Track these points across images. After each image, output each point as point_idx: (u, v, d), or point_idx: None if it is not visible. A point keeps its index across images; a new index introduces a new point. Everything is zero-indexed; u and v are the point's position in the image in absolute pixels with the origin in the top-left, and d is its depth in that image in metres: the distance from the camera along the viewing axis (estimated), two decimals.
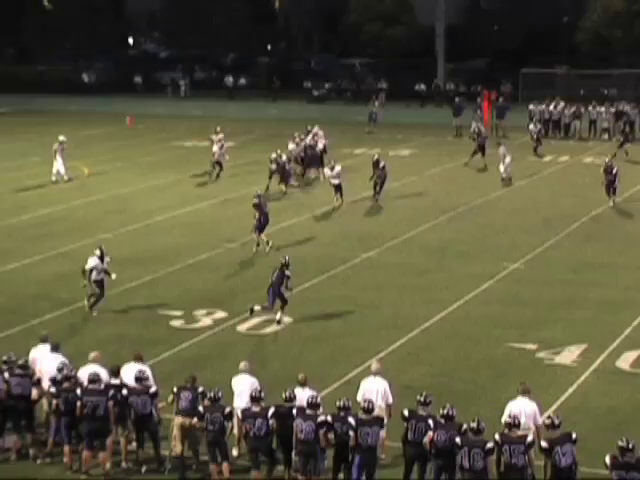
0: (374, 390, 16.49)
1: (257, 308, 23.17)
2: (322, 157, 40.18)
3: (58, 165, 39.78)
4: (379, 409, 16.12)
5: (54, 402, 16.66)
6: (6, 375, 17.02)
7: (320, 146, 40.65)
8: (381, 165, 35.48)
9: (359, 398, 16.27)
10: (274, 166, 37.04)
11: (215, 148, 40.11)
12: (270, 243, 29.18)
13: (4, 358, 17.51)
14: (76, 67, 78.00)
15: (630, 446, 13.94)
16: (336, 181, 34.83)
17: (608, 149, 47.34)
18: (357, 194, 35.48)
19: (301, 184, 38.98)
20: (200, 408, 16.08)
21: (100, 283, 23.87)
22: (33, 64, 76.93)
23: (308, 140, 40.83)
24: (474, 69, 72.05)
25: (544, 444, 14.56)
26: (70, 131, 44.04)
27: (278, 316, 23.16)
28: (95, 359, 17.30)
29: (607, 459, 14.03)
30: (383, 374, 16.92)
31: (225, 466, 15.93)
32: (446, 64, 70.77)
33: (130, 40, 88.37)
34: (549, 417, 15.03)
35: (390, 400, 16.57)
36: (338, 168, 34.91)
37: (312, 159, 40.26)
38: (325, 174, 35.93)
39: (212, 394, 16.06)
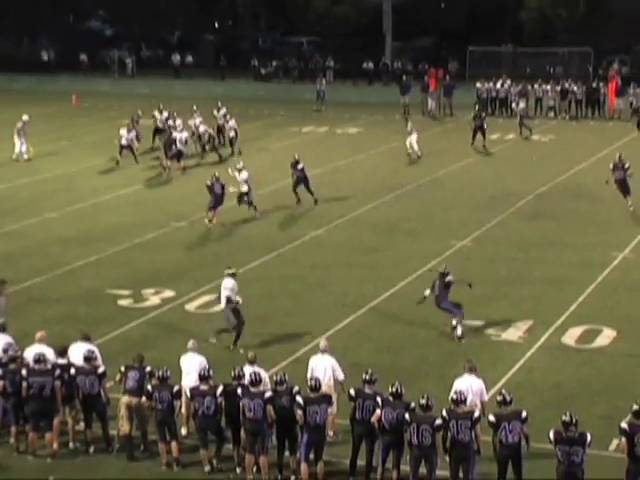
0: (322, 367, 16.57)
1: (459, 333, 21.07)
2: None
3: (19, 144, 39.41)
4: (327, 387, 16.20)
5: (0, 384, 16.52)
6: None
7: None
8: (299, 167, 32.09)
9: (309, 376, 16.33)
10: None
11: (123, 131, 39.00)
12: (211, 222, 29.03)
13: None
14: (19, 44, 76.72)
15: (573, 420, 14.11)
16: (244, 188, 30.59)
17: (554, 127, 47.77)
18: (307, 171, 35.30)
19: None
20: (148, 387, 16.05)
21: (236, 310, 20.62)
22: None
23: (221, 121, 41.10)
24: (421, 47, 72.18)
25: (492, 418, 14.72)
26: (15, 110, 43.50)
27: (459, 332, 21.08)
28: (41, 339, 17.19)
29: (551, 434, 14.19)
30: (330, 352, 16.98)
31: (174, 445, 15.92)
32: (393, 42, 70.76)
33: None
34: (500, 393, 15.11)
35: (341, 376, 16.66)
36: (245, 174, 30.56)
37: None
38: (229, 172, 31.74)
39: (160, 373, 16.03)
